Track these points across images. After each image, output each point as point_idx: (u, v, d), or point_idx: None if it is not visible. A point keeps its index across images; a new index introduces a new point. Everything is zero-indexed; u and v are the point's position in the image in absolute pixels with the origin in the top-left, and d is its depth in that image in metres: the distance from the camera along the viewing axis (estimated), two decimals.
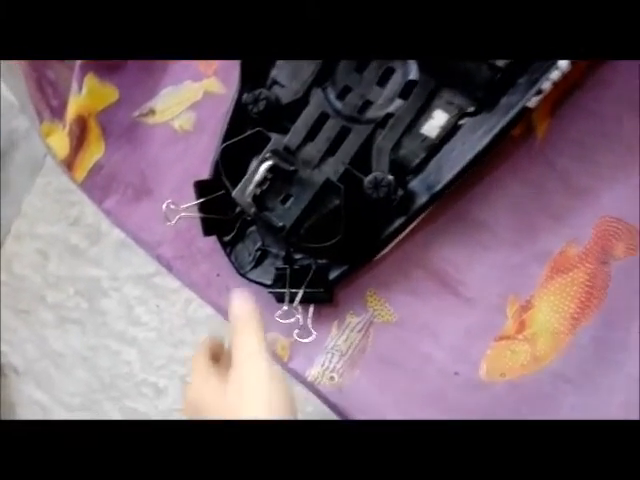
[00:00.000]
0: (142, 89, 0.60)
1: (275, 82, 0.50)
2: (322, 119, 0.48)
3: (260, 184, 0.47)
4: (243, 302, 0.42)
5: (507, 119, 0.43)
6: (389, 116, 0.47)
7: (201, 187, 0.51)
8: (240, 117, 0.50)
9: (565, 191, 0.46)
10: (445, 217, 0.48)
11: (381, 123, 0.47)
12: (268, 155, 0.47)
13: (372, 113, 0.48)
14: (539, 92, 0.42)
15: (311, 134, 0.48)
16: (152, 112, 0.59)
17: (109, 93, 0.59)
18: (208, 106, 0.58)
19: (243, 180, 0.48)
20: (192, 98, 0.58)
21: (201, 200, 0.51)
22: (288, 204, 0.47)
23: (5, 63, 0.66)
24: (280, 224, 0.46)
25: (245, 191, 0.47)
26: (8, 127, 0.92)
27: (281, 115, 0.49)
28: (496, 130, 0.44)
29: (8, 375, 0.92)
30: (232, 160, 0.50)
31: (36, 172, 0.85)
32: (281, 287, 0.49)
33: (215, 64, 0.58)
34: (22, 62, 0.60)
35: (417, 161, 0.46)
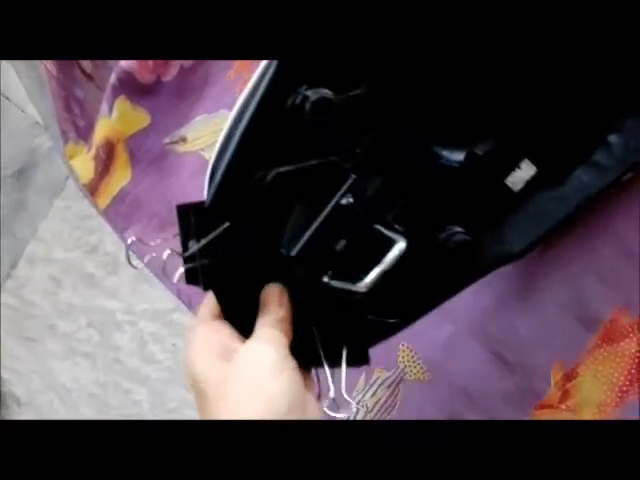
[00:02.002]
0: (174, 115, 0.59)
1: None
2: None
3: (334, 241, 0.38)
4: (277, 287, 0.38)
5: (604, 182, 0.39)
6: (473, 156, 0.40)
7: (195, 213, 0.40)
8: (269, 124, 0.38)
9: (619, 254, 0.43)
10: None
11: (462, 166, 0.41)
12: (349, 203, 0.37)
13: (452, 155, 0.41)
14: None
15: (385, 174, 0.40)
16: (183, 140, 0.58)
17: (140, 118, 0.58)
18: None
19: (312, 231, 0.38)
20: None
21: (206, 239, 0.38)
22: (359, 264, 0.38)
23: (33, 79, 0.65)
24: (361, 290, 0.38)
25: (312, 248, 0.38)
26: (29, 145, 0.92)
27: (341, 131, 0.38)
28: (592, 191, 0.39)
29: (9, 406, 0.90)
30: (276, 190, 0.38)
31: (56, 195, 0.85)
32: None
33: None
34: (51, 79, 0.60)
35: (494, 215, 0.41)
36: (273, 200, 0.37)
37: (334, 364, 0.41)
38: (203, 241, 0.38)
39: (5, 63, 0.60)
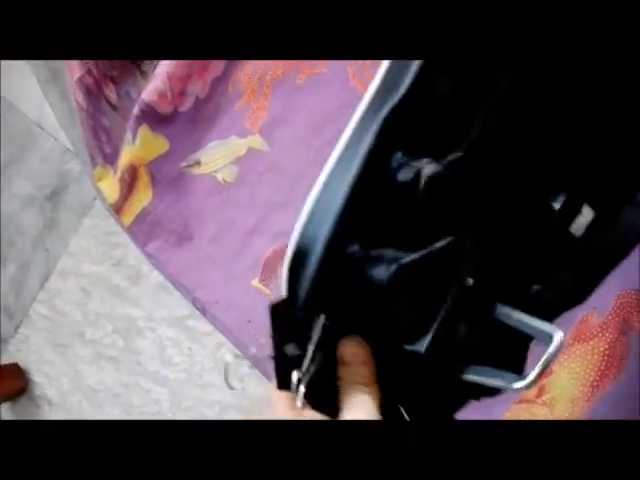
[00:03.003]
0: (190, 141, 0.63)
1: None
2: None
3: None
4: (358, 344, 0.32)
5: None
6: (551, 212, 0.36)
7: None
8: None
9: None
10: None
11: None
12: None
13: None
14: None
15: None
16: (198, 163, 0.63)
17: (160, 144, 0.62)
18: (250, 161, 0.61)
19: (439, 321, 0.31)
20: (236, 152, 0.62)
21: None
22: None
23: (65, 111, 0.70)
24: (519, 387, 0.32)
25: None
26: (61, 169, 0.96)
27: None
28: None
29: (41, 406, 0.94)
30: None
31: (85, 213, 0.89)
32: None
33: (260, 122, 0.62)
34: (81, 110, 0.64)
35: (555, 265, 0.37)
36: (390, 294, 0.30)
37: None
38: (309, 353, 0.31)
39: (42, 97, 0.65)
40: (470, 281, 0.32)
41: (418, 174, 0.30)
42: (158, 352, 0.73)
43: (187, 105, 0.63)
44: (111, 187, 0.63)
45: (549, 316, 0.34)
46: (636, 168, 0.37)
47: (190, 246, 0.60)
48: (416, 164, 0.30)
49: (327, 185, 0.31)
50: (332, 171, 0.31)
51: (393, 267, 0.30)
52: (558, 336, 0.31)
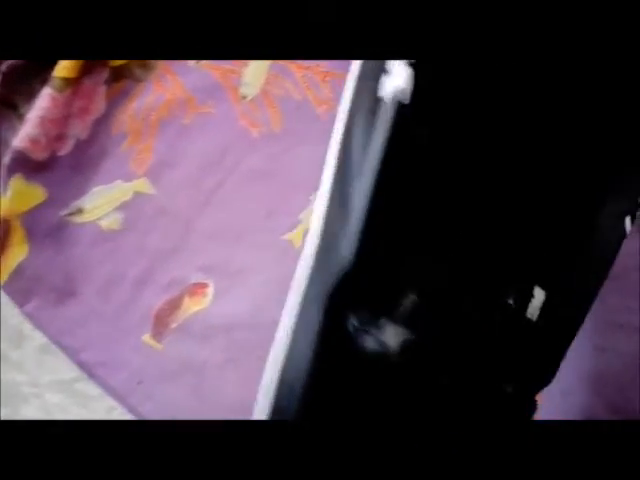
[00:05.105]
0: (71, 188, 0.59)
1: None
2: None
3: None
4: None
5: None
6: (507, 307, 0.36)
7: None
8: None
9: None
10: None
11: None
12: None
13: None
14: None
15: None
16: (80, 211, 0.58)
17: (36, 194, 0.58)
18: (137, 206, 0.57)
19: None
20: (122, 198, 0.58)
21: None
22: None
23: None
24: None
25: None
26: None
27: None
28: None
29: None
30: None
31: None
32: None
33: (146, 164, 0.58)
34: None
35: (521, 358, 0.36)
36: None
37: None
38: None
39: None
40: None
41: (383, 344, 0.30)
42: (45, 419, 0.67)
43: (67, 149, 0.59)
44: None
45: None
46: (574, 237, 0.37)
47: (74, 302, 0.56)
48: (374, 331, 0.30)
49: (289, 358, 0.33)
50: (289, 344, 0.33)
51: None
52: None
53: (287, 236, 0.53)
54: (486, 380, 0.34)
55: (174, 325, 0.53)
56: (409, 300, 0.32)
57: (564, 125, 0.36)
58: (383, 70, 0.35)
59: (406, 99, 0.33)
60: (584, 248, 0.37)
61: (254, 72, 0.58)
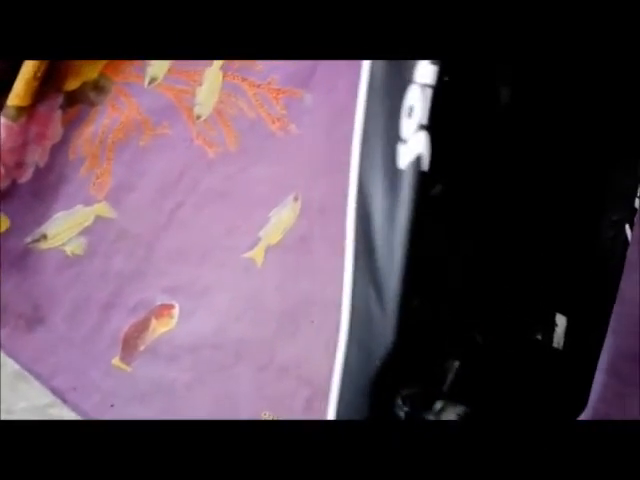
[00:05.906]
0: (34, 215, 0.60)
1: None
2: None
3: None
4: None
5: None
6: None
7: None
8: None
9: None
10: None
11: None
12: None
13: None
14: None
15: None
16: (44, 237, 0.59)
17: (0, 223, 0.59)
18: (99, 231, 0.58)
19: None
20: (84, 222, 0.59)
21: None
22: None
23: None
24: None
25: None
26: None
27: None
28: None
29: None
30: None
31: None
32: None
33: (106, 188, 0.59)
34: None
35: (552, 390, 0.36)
36: None
37: None
38: None
39: None
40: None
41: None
42: None
43: (27, 176, 0.60)
44: None
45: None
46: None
47: (42, 329, 0.57)
48: (427, 413, 0.31)
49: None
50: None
51: None
52: None
53: (248, 254, 0.54)
54: (527, 418, 0.35)
55: (142, 347, 0.54)
56: (453, 370, 0.32)
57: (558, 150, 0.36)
58: (398, 139, 0.34)
59: (425, 166, 0.32)
60: (592, 263, 0.37)
61: (206, 92, 0.58)
